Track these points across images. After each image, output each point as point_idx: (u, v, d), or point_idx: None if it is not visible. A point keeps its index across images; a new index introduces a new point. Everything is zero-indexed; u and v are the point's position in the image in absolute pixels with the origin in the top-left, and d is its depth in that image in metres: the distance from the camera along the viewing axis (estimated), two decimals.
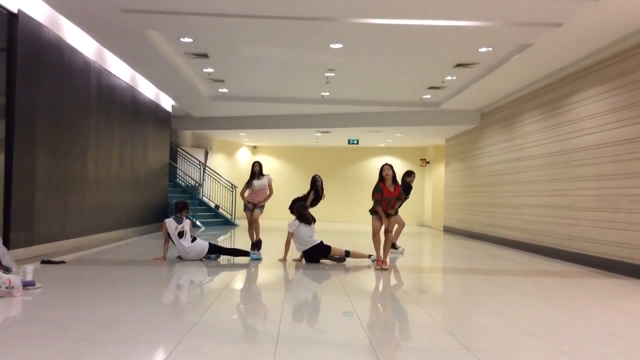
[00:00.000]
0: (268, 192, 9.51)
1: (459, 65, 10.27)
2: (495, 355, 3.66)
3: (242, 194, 9.68)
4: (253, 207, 9.55)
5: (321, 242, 8.26)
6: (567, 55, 9.02)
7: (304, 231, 8.24)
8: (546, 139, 10.53)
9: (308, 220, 8.34)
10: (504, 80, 10.98)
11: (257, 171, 9.50)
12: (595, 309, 5.45)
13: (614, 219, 8.16)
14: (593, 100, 8.88)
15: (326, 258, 8.28)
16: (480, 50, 9.11)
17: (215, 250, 8.27)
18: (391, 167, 7.93)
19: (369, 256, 8.29)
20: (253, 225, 9.56)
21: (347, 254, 8.26)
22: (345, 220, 21.27)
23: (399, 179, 8.40)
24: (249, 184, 9.53)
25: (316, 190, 10.03)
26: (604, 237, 8.38)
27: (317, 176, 10.16)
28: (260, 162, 9.91)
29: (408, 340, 4.25)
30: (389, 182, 7.81)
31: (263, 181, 9.50)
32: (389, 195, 7.80)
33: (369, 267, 7.94)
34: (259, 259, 8.35)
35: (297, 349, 3.69)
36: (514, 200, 12.04)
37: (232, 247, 8.59)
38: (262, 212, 9.67)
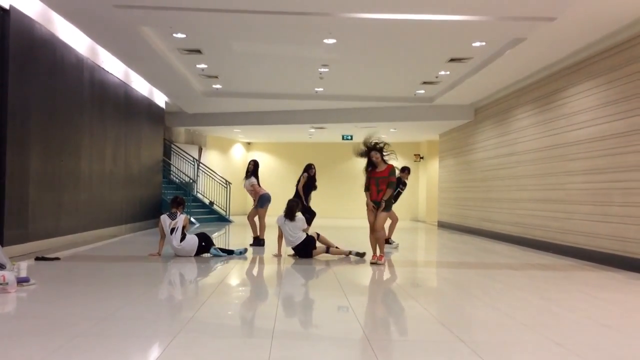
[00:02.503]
0: (253, 191, 9.93)
1: (452, 60, 10.28)
2: (489, 347, 3.69)
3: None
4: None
5: (307, 236, 8.18)
6: (560, 50, 9.05)
7: (287, 226, 8.15)
8: (539, 133, 10.57)
9: (292, 215, 8.18)
10: (497, 75, 11.00)
11: (250, 169, 9.92)
12: (588, 302, 5.49)
13: (606, 212, 8.21)
14: (585, 95, 8.92)
15: (327, 252, 8.25)
16: (473, 44, 9.13)
17: (204, 240, 8.11)
18: (379, 150, 7.69)
19: (349, 253, 8.23)
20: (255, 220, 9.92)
21: (327, 250, 8.24)
22: (339, 216, 21.28)
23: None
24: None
25: (309, 176, 10.16)
26: (596, 230, 8.43)
27: (311, 165, 10.30)
28: (255, 161, 10.13)
29: (403, 333, 4.27)
30: (380, 166, 7.72)
31: (245, 182, 9.96)
32: (377, 175, 7.65)
33: (351, 262, 7.91)
34: (242, 253, 8.30)
35: (292, 344, 3.70)
36: (507, 195, 12.09)
37: (222, 247, 8.46)
38: (257, 211, 9.83)
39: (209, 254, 8.07)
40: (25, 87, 7.74)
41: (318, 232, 8.44)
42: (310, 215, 10.27)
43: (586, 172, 8.81)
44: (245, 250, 8.48)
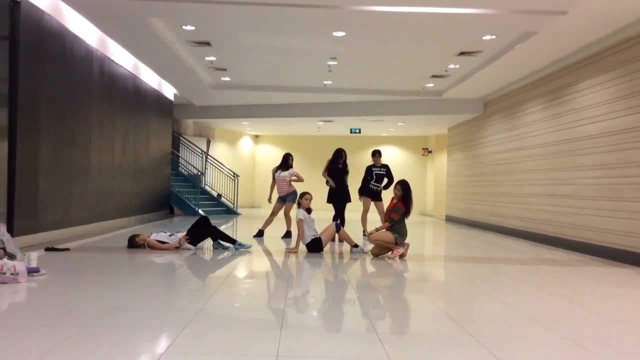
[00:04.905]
0: (289, 183, 9.90)
1: (462, 53, 10.23)
2: (498, 341, 3.68)
3: (272, 186, 10.18)
4: (283, 200, 9.91)
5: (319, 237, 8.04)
6: (570, 44, 8.97)
7: (308, 221, 8.03)
8: (549, 127, 10.51)
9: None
10: (507, 69, 10.94)
11: (290, 163, 9.99)
12: (597, 297, 5.46)
13: (616, 207, 8.16)
14: (596, 89, 8.85)
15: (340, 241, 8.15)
16: (484, 38, 9.07)
17: (201, 225, 8.09)
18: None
19: (355, 245, 8.05)
20: (272, 217, 9.87)
21: (338, 228, 8.14)
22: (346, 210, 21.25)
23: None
24: (274, 174, 10.01)
25: (334, 162, 10.13)
26: (606, 225, 8.39)
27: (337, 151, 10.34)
28: (286, 154, 10.23)
29: (411, 327, 4.27)
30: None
31: (285, 174, 9.84)
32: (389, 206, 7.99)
33: (354, 255, 7.87)
34: (245, 246, 8.10)
35: (301, 336, 3.71)
36: (516, 190, 12.04)
37: (227, 234, 8.33)
38: (293, 203, 9.79)
39: (217, 246, 8.07)
40: (35, 78, 7.77)
41: (339, 224, 8.34)
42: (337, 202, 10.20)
43: (596, 167, 8.76)
44: (250, 246, 8.29)
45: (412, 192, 7.75)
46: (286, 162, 10.02)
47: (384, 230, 7.64)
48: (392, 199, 7.86)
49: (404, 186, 7.74)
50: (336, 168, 10.17)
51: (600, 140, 8.67)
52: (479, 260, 8.01)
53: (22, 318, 3.98)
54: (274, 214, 10.01)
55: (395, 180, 8.28)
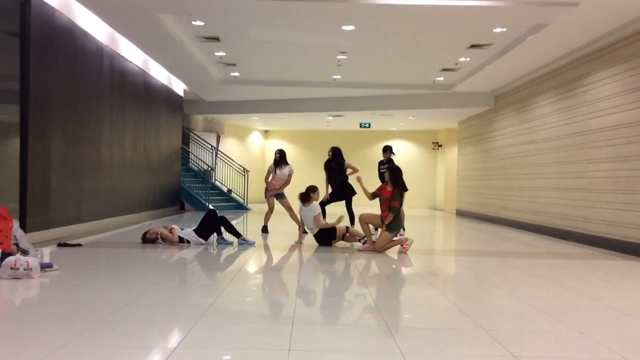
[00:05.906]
0: (285, 182, 9.72)
1: (473, 46, 10.16)
2: (510, 335, 3.66)
3: (266, 179, 9.86)
4: (274, 195, 9.76)
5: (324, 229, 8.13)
6: (582, 36, 8.89)
7: (304, 213, 8.18)
8: (561, 120, 10.42)
9: (305, 199, 8.21)
10: (518, 62, 10.85)
11: (277, 159, 9.71)
12: (611, 290, 5.42)
13: (629, 200, 8.09)
14: (608, 81, 8.76)
15: (343, 239, 8.19)
16: (494, 30, 9.00)
17: (209, 219, 8.14)
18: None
19: (361, 239, 8.03)
20: (271, 212, 9.77)
21: (347, 229, 8.18)
22: (356, 204, 21.25)
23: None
24: (273, 171, 9.75)
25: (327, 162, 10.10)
26: (619, 219, 8.32)
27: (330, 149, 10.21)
28: (283, 150, 10.00)
29: (423, 321, 4.25)
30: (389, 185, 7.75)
31: (284, 171, 9.69)
32: (384, 194, 7.76)
33: (359, 248, 7.82)
34: (248, 242, 8.08)
35: (313, 330, 3.71)
36: (527, 183, 11.97)
37: (234, 227, 8.36)
38: (286, 198, 9.74)
39: (220, 241, 8.10)
40: (46, 75, 7.81)
41: (348, 226, 8.38)
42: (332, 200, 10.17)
43: (608, 160, 8.68)
44: (254, 242, 8.23)
45: (401, 174, 7.66)
46: (285, 158, 9.86)
47: (383, 234, 7.61)
48: (385, 186, 7.76)
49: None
50: (330, 168, 10.15)
51: (612, 132, 8.59)
52: (490, 254, 7.97)
53: (35, 313, 4.01)
54: (271, 208, 9.91)
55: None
